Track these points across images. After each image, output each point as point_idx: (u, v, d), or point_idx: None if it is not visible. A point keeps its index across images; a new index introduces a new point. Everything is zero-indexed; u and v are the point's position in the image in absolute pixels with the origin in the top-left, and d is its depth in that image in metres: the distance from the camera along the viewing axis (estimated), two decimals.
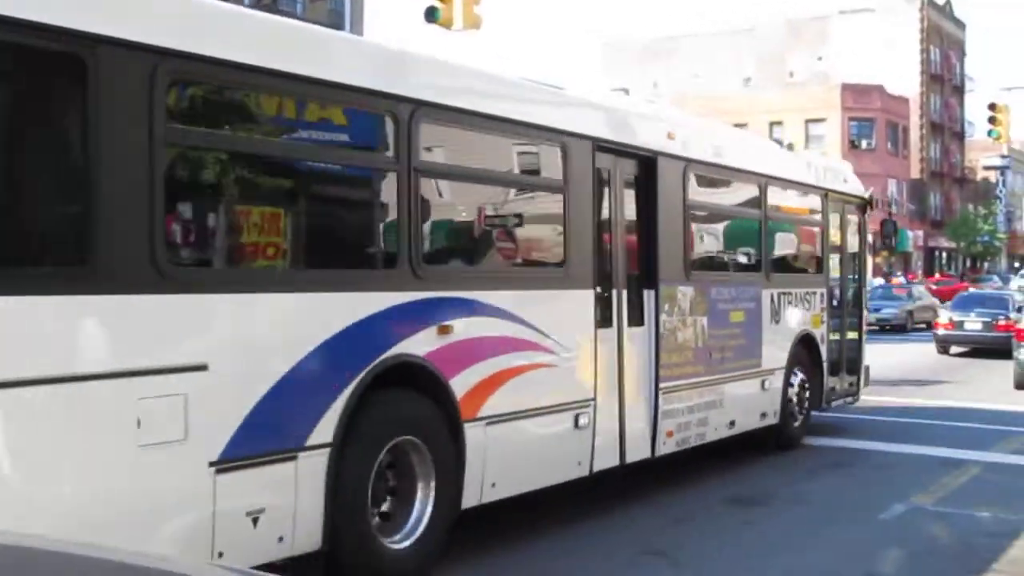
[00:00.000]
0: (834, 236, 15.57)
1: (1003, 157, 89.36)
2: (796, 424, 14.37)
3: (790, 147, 15.90)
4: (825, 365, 15.05)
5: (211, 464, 6.37)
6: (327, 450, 7.09)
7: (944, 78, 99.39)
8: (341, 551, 7.28)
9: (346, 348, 7.25)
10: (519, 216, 9.42)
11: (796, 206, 14.83)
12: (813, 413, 14.87)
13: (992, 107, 53.62)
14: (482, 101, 8.69)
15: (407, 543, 7.84)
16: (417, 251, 7.87)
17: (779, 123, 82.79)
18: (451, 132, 8.38)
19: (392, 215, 7.81)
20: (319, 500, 7.05)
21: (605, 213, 10.33)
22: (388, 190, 7.79)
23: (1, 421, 5.38)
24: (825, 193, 15.24)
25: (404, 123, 7.82)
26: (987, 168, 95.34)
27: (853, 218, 16.30)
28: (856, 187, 16.56)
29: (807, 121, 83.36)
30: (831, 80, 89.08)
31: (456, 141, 8.51)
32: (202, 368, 6.32)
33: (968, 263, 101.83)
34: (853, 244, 16.28)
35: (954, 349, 31.98)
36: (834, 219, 15.54)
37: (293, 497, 6.88)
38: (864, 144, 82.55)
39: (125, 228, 5.94)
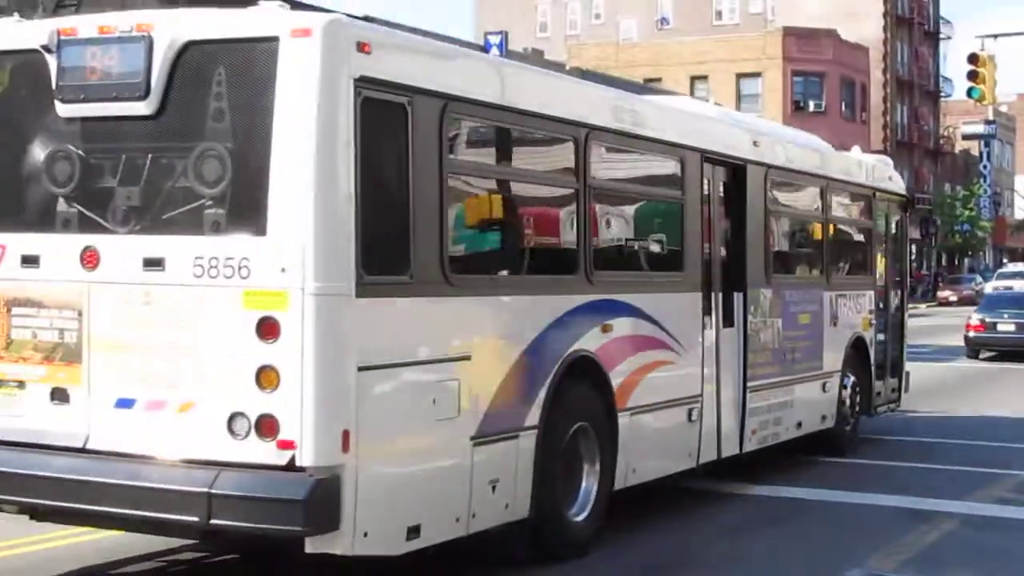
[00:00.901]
0: (880, 236, 20.47)
1: (987, 124, 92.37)
2: (847, 428, 18.89)
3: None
4: (873, 369, 19.75)
5: (471, 439, 10.60)
6: (535, 432, 11.33)
7: (913, 22, 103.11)
8: (542, 521, 11.55)
9: (550, 343, 11.57)
10: (650, 224, 14.01)
11: (850, 207, 19.72)
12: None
13: (973, 59, 55.78)
14: (638, 124, 13.32)
15: (581, 516, 12.19)
16: (590, 259, 12.25)
17: (702, 78, 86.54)
18: (615, 154, 12.80)
19: (575, 228, 12.18)
20: (529, 475, 11.30)
21: (707, 220, 14.90)
22: (572, 206, 12.17)
23: (379, 393, 9.59)
24: (873, 192, 20.11)
25: (581, 145, 12.18)
26: (968, 137, 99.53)
27: (896, 217, 21.18)
28: (899, 184, 21.54)
29: (739, 76, 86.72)
30: (770, 24, 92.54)
31: (617, 161, 12.96)
32: (467, 358, 10.57)
33: (942, 259, 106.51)
34: (896, 243, 21.24)
35: (983, 353, 38.77)
36: (880, 218, 20.41)
37: (514, 471, 11.12)
38: (812, 105, 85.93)
39: (428, 246, 10.19)
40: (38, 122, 10.38)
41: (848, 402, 18.83)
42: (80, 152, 10.06)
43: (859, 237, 20.24)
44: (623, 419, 12.75)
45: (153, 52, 9.68)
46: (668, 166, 14.14)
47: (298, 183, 9.24)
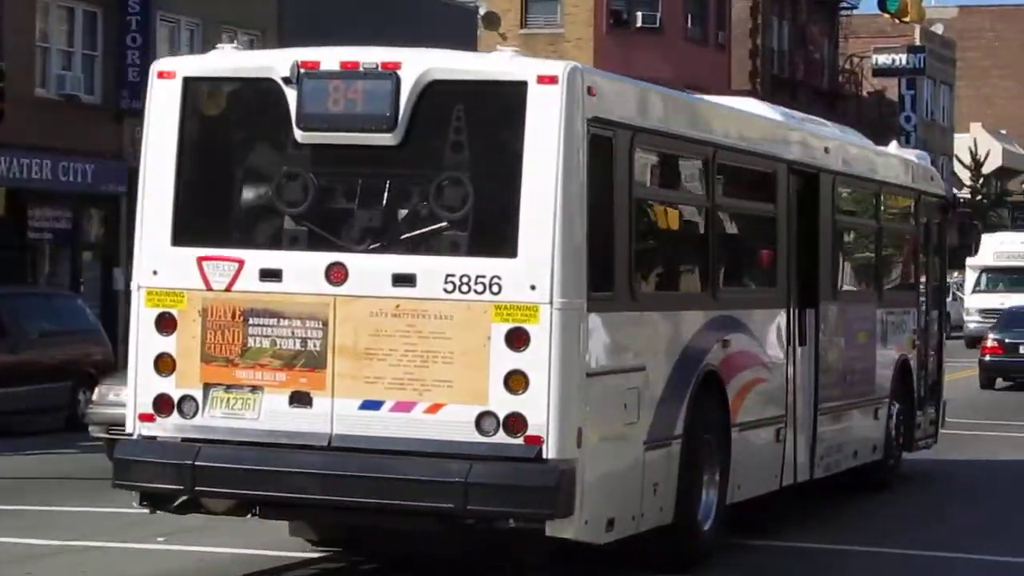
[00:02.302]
0: (922, 245, 18.87)
1: (912, 52, 70.17)
2: (892, 463, 17.60)
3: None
4: (916, 397, 18.27)
5: (643, 443, 11.80)
6: (680, 440, 12.37)
7: None
8: (683, 527, 12.42)
9: (691, 356, 12.64)
10: (752, 238, 14.76)
11: (897, 213, 18.60)
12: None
13: None
14: (744, 139, 13.99)
15: (707, 526, 12.85)
16: (715, 275, 13.31)
17: None
18: (729, 170, 13.86)
19: (705, 245, 13.25)
20: (675, 482, 12.32)
21: (791, 233, 15.09)
22: (703, 224, 13.29)
23: (597, 397, 10.91)
24: (918, 196, 18.62)
25: (711, 165, 13.40)
26: (882, 73, 71.44)
27: (936, 222, 19.32)
28: (939, 185, 19.78)
29: None
30: None
31: (729, 177, 13.87)
32: (643, 369, 11.82)
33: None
34: (937, 254, 19.48)
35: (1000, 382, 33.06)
36: (923, 225, 18.80)
37: (667, 477, 12.17)
38: (638, 20, 53.14)
39: (622, 264, 11.47)
40: (270, 147, 11.46)
41: (894, 432, 17.65)
42: (317, 176, 11.14)
43: (904, 247, 19.03)
44: (734, 434, 13.31)
45: (400, 88, 10.83)
46: (765, 179, 14.54)
47: (547, 212, 10.60)
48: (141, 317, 11.36)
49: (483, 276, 10.65)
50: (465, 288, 10.67)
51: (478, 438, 10.63)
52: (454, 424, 10.68)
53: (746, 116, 14.70)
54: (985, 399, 30.45)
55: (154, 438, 11.32)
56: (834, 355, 15.83)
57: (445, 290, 10.71)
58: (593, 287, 10.95)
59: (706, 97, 14.62)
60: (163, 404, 11.24)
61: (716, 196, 13.43)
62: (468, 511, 10.60)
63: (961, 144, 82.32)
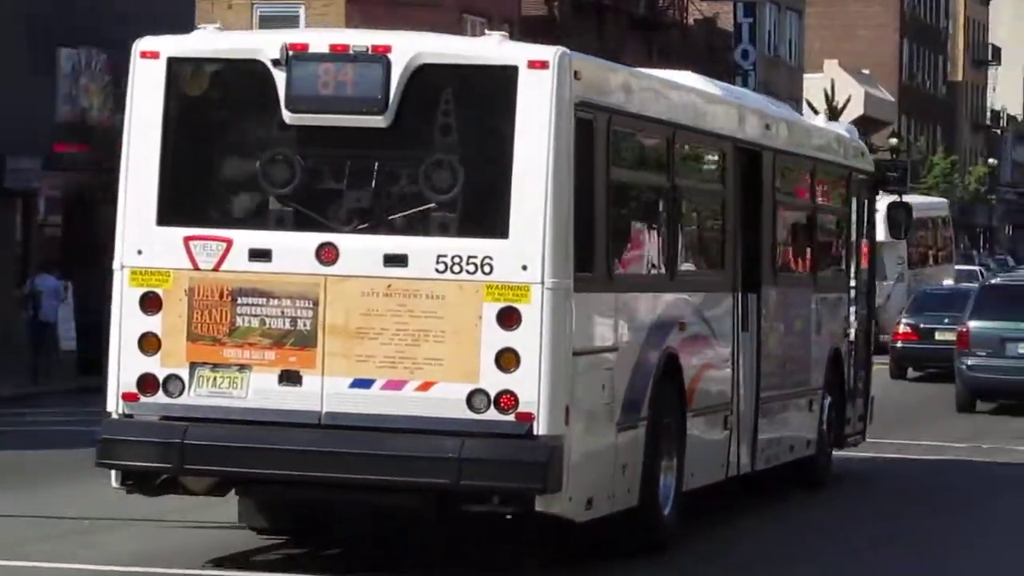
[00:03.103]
0: (853, 226, 18.23)
1: None
2: (824, 460, 16.79)
3: None
4: (847, 389, 17.48)
5: (616, 423, 12.02)
6: (646, 422, 12.54)
7: None
8: (646, 510, 12.52)
9: (654, 338, 12.76)
10: (705, 221, 14.82)
11: (830, 192, 17.79)
12: None
13: None
14: (699, 118, 13.99)
15: (666, 511, 12.89)
16: (674, 257, 13.44)
17: None
18: (685, 150, 14.11)
19: (668, 228, 13.47)
20: (640, 464, 12.46)
21: (738, 214, 15.02)
22: (664, 206, 13.45)
23: (581, 375, 11.20)
24: (849, 173, 18.05)
25: (674, 146, 13.62)
26: None
27: (866, 201, 18.61)
28: (869, 160, 19.01)
29: None
30: None
31: (689, 158, 14.17)
32: (616, 350, 12.08)
33: None
34: (866, 236, 18.65)
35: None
36: (853, 205, 18.16)
37: (635, 458, 12.31)
38: None
39: (600, 245, 11.76)
40: (256, 127, 11.59)
41: (826, 427, 16.93)
42: (306, 157, 11.32)
43: (837, 228, 18.31)
44: (689, 419, 13.30)
45: (391, 71, 11.02)
46: (716, 159, 14.64)
47: (537, 194, 10.91)
48: (125, 296, 11.44)
49: (475, 256, 10.91)
50: (457, 268, 10.92)
51: (469, 415, 10.90)
52: (445, 401, 10.93)
53: (708, 95, 14.77)
54: (898, 392, 28.99)
55: (138, 417, 11.41)
56: (774, 342, 15.59)
57: (437, 270, 10.96)
58: (577, 267, 11.24)
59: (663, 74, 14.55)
60: (147, 383, 11.35)
61: (675, 177, 13.59)
62: (461, 486, 10.85)
63: (814, 87, 68.39)
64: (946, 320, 30.24)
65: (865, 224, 18.81)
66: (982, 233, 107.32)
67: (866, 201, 18.82)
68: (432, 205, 11.12)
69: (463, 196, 11.10)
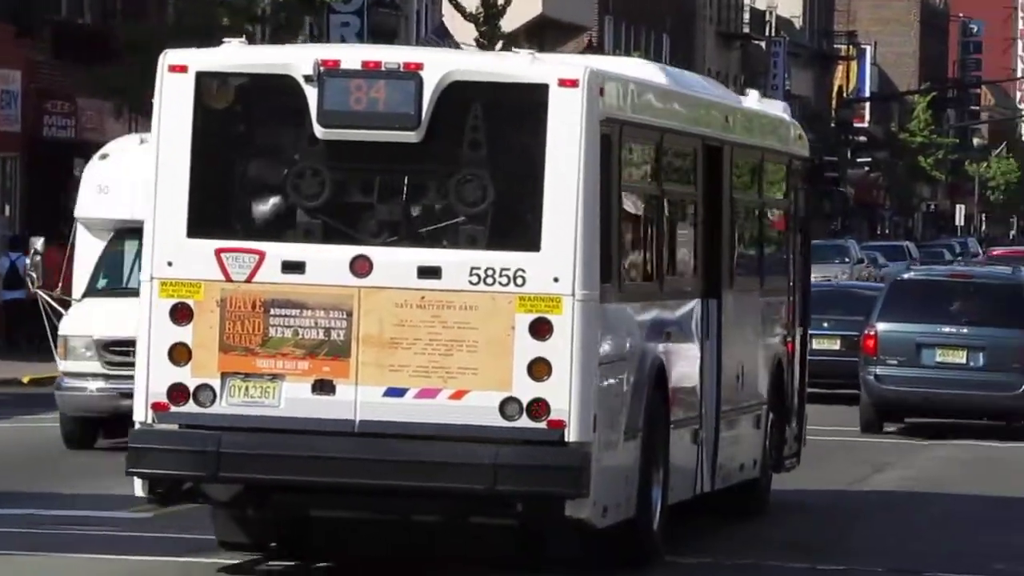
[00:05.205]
0: (792, 222, 17.17)
1: None
2: (766, 483, 16.13)
3: None
4: (786, 404, 16.51)
5: (623, 434, 12.38)
6: (642, 433, 12.81)
7: None
8: (642, 521, 12.66)
9: (648, 348, 13.01)
10: (684, 226, 14.53)
11: (772, 185, 16.63)
12: None
13: None
14: (673, 117, 13.94)
15: (655, 525, 13.01)
16: (663, 266, 13.63)
17: None
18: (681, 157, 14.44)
19: (658, 237, 13.75)
20: (637, 475, 12.75)
21: (705, 215, 14.38)
22: (657, 217, 13.76)
23: (604, 385, 11.68)
24: (789, 161, 17.12)
25: (670, 154, 14.08)
26: None
27: (803, 190, 17.62)
28: (804, 143, 17.78)
29: None
30: None
31: (657, 159, 13.74)
32: (625, 359, 12.46)
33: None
34: (803, 229, 17.60)
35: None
36: (792, 197, 17.09)
37: (634, 470, 12.55)
38: None
39: (615, 256, 12.23)
40: (286, 142, 11.93)
41: (769, 446, 16.08)
42: (337, 171, 11.71)
43: (779, 224, 17.28)
44: (672, 431, 13.34)
45: (423, 88, 11.44)
46: (690, 159, 14.30)
47: (568, 208, 11.43)
48: (154, 307, 11.73)
49: (507, 269, 11.37)
50: (490, 280, 11.38)
51: (502, 423, 11.38)
52: (478, 409, 11.39)
53: (667, 96, 14.16)
54: None
55: (169, 426, 11.71)
56: (731, 352, 15.00)
57: (471, 282, 11.40)
58: (603, 279, 11.79)
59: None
60: (178, 393, 11.64)
61: (662, 183, 13.74)
62: (496, 492, 11.31)
63: None
64: (824, 325, 26.95)
65: (802, 216, 17.72)
66: None
67: (803, 190, 17.74)
68: (463, 219, 11.58)
69: (494, 210, 11.57)
